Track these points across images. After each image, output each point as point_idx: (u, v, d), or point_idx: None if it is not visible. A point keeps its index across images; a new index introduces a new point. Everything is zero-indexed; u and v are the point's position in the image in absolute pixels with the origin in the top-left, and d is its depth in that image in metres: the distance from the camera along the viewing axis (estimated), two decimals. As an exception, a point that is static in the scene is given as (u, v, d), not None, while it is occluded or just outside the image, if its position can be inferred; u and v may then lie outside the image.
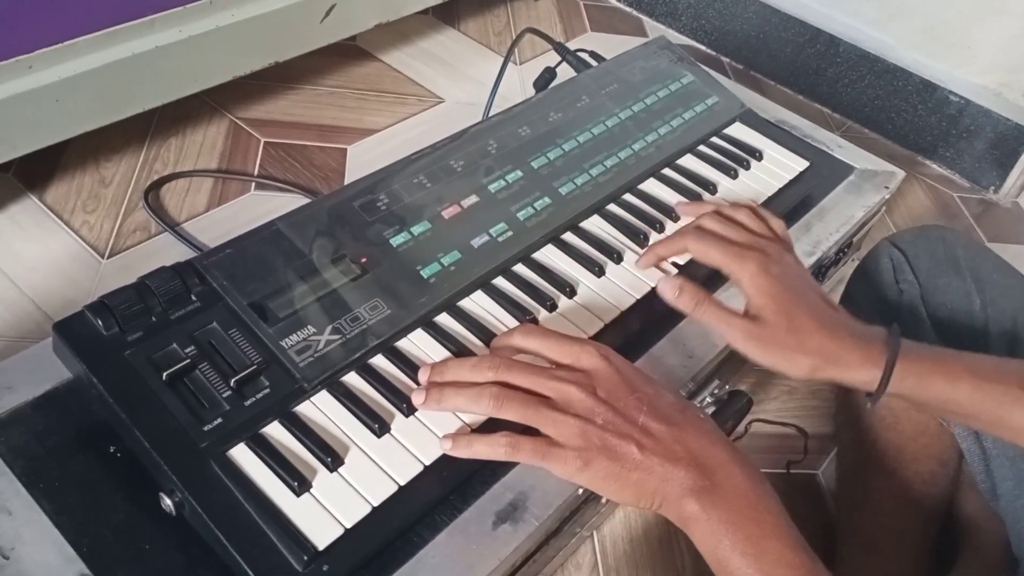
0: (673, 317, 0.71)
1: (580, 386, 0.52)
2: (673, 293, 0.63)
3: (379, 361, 0.59)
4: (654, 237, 0.75)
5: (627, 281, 0.70)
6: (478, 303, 0.65)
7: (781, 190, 0.85)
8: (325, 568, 0.48)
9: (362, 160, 1.11)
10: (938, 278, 0.76)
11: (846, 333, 0.60)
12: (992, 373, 0.59)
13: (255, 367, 0.55)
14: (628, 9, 1.64)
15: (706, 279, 0.70)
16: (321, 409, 0.55)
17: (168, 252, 0.93)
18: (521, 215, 0.72)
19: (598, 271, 0.70)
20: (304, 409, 0.55)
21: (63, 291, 0.88)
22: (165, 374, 0.53)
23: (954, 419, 0.62)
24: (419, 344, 0.61)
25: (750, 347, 0.60)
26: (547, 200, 0.74)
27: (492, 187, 0.73)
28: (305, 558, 0.48)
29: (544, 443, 0.51)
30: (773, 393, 0.94)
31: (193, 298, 0.57)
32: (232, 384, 0.54)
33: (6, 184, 0.98)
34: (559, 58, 0.99)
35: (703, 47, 1.57)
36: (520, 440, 0.51)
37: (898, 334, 0.60)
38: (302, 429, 0.54)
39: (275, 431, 0.53)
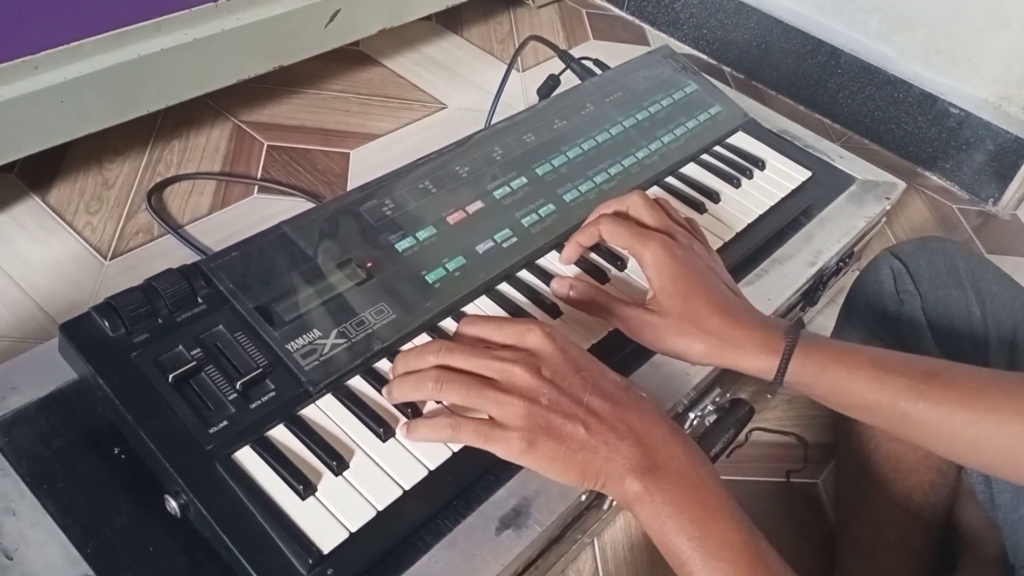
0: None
1: (524, 365, 0.51)
2: (564, 291, 0.64)
3: (384, 366, 0.59)
4: (657, 245, 0.75)
5: (630, 288, 0.70)
6: (482, 309, 0.66)
7: (783, 199, 0.85)
8: (329, 572, 0.48)
9: (365, 165, 1.11)
10: (939, 289, 0.76)
11: (746, 319, 0.59)
12: (895, 365, 0.57)
13: (261, 370, 0.55)
14: (631, 18, 1.64)
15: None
16: (326, 413, 0.55)
17: (170, 254, 0.94)
18: (526, 221, 0.72)
19: (601, 277, 0.70)
20: (309, 413, 0.55)
21: (65, 292, 0.88)
22: (171, 376, 0.53)
23: (854, 414, 0.59)
24: (424, 349, 0.61)
25: (645, 335, 0.60)
26: (552, 207, 0.74)
27: (497, 193, 0.73)
28: (310, 561, 0.48)
29: (487, 425, 0.50)
30: (774, 402, 0.95)
31: (199, 300, 0.57)
32: (238, 387, 0.54)
33: (9, 185, 0.98)
34: (562, 66, 1.00)
35: (705, 56, 1.58)
36: (462, 421, 0.51)
37: (800, 325, 0.59)
38: (307, 432, 0.54)
39: (280, 434, 0.54)
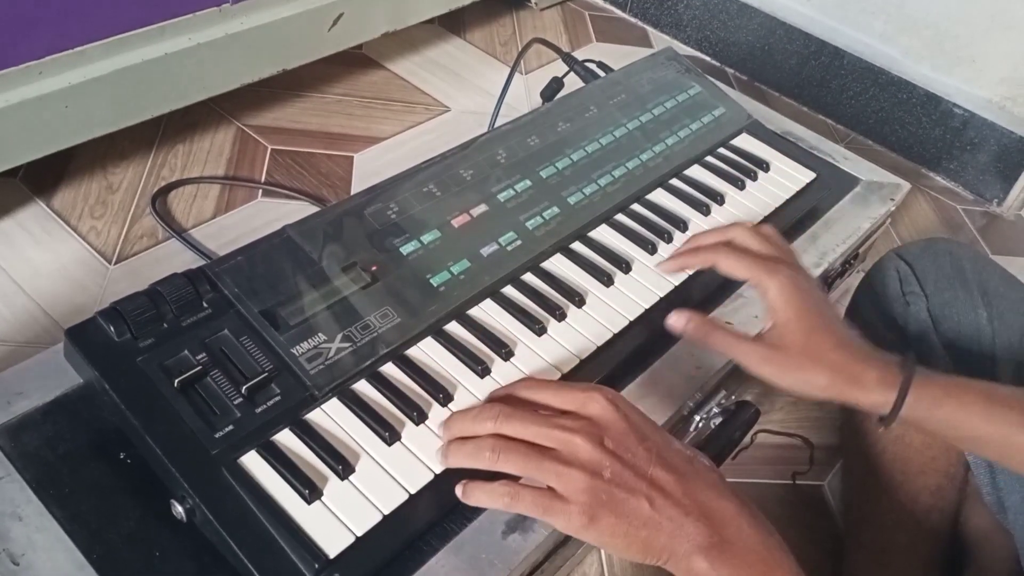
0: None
1: (586, 435, 0.49)
2: (682, 324, 0.63)
3: (389, 369, 0.59)
4: (662, 247, 0.75)
5: (635, 291, 0.70)
6: (487, 312, 0.65)
7: (788, 201, 0.85)
8: (336, 576, 0.48)
9: (369, 168, 1.11)
10: (945, 291, 0.76)
11: (863, 354, 0.59)
12: (1004, 399, 0.58)
13: (266, 374, 0.55)
14: (633, 20, 1.65)
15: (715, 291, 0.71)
16: (332, 417, 0.55)
17: (175, 258, 0.94)
18: (530, 224, 0.72)
19: (607, 280, 0.70)
20: (315, 417, 0.55)
21: (70, 296, 0.88)
22: (177, 381, 0.53)
23: (965, 446, 0.62)
24: (429, 352, 0.61)
25: (766, 370, 0.60)
26: (556, 209, 0.74)
27: (501, 196, 0.73)
28: (316, 566, 0.48)
29: (547, 496, 0.48)
30: (779, 404, 0.95)
31: (205, 305, 0.57)
32: (243, 391, 0.54)
33: (14, 189, 0.99)
34: (566, 68, 0.99)
35: (707, 58, 1.58)
36: (521, 491, 0.49)
37: (913, 359, 0.59)
38: (313, 437, 0.54)
39: (286, 438, 0.53)
